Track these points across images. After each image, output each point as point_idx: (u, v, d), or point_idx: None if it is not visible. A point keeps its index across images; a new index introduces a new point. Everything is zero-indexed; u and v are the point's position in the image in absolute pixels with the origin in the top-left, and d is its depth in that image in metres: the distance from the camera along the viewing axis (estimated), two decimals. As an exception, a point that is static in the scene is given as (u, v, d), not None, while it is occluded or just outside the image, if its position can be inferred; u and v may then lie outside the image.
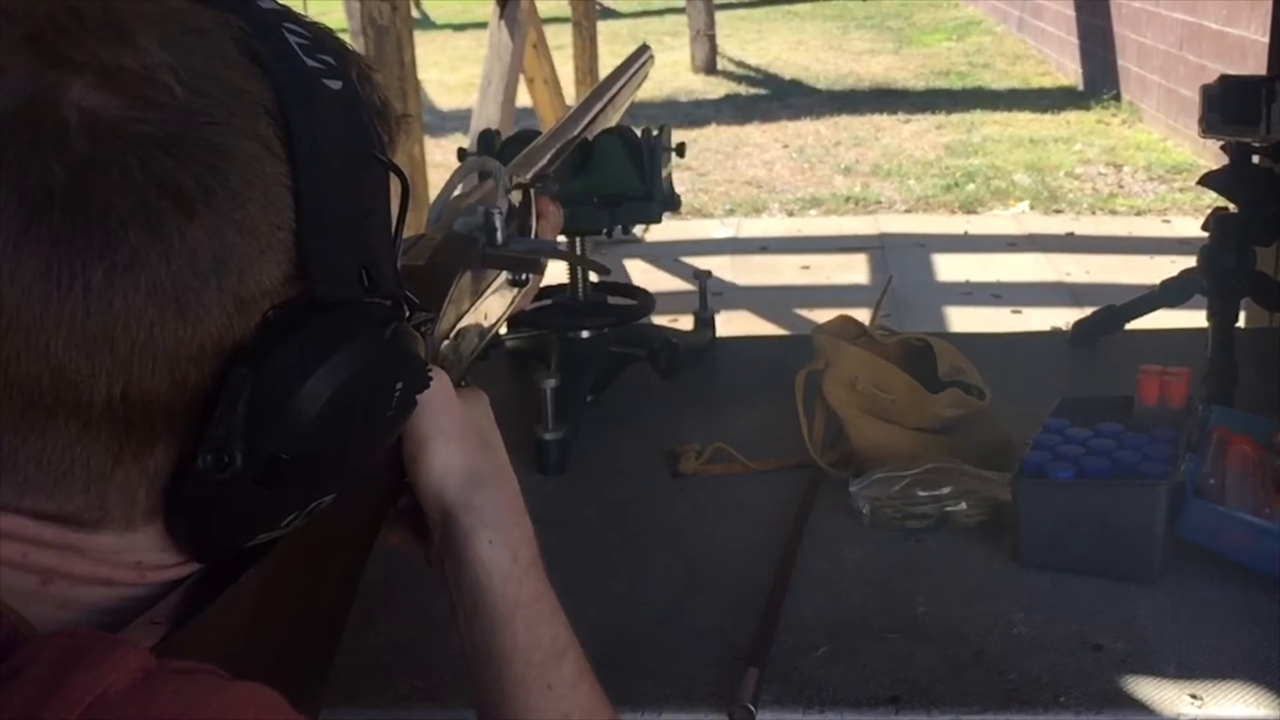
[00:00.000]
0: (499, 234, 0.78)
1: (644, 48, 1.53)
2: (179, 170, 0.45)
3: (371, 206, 0.52)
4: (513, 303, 0.84)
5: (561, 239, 1.13)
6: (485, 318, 0.79)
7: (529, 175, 0.98)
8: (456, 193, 0.86)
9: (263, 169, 0.47)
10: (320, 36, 0.52)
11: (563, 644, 0.66)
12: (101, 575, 0.50)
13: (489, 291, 0.79)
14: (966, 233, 5.22)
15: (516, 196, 0.87)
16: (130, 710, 0.42)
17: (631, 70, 1.43)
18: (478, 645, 0.65)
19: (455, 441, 0.65)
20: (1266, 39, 2.07)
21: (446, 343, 0.71)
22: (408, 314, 0.54)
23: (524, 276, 0.81)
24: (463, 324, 0.74)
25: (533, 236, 0.90)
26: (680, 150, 1.44)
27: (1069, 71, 8.14)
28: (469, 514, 0.64)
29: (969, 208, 5.58)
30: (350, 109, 0.51)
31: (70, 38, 0.44)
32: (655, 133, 1.39)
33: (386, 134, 0.55)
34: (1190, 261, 1.44)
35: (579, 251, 1.43)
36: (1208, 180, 1.41)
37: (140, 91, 0.45)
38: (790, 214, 5.67)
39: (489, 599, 0.64)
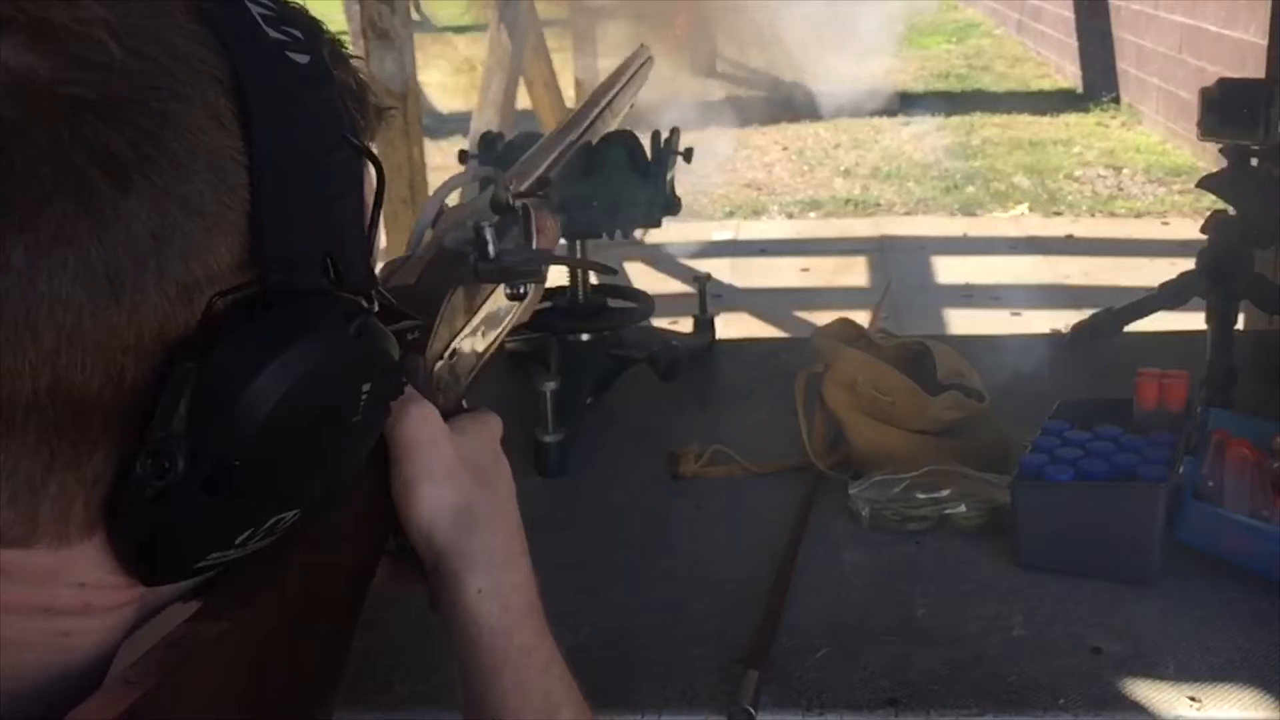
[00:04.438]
0: (490, 247, 0.76)
1: (642, 48, 1.53)
2: (113, 136, 0.40)
3: (339, 190, 0.47)
4: (511, 317, 0.83)
5: (561, 242, 1.13)
6: (482, 335, 0.77)
7: (527, 184, 0.97)
8: (452, 203, 0.85)
9: (210, 141, 0.42)
10: (288, 10, 0.48)
11: (556, 700, 0.63)
12: (40, 602, 0.44)
13: (484, 307, 0.77)
14: (966, 235, 5.22)
15: (518, 205, 0.85)
16: None
17: (630, 72, 1.43)
18: (469, 697, 0.62)
19: (445, 481, 0.60)
20: (1265, 42, 2.07)
21: (441, 363, 0.69)
22: (378, 310, 0.49)
23: (521, 290, 0.79)
24: (458, 343, 0.71)
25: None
26: (688, 155, 1.43)
27: (1068, 74, 8.14)
28: (458, 559, 0.60)
29: (968, 210, 5.58)
30: (317, 85, 0.47)
31: None
32: (666, 136, 1.39)
33: (364, 120, 0.51)
34: (1189, 264, 1.44)
35: (579, 254, 1.43)
36: (1207, 183, 1.42)
37: (72, 50, 0.40)
38: (790, 216, 5.67)
39: (477, 652, 0.61)
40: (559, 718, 0.63)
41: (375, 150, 0.51)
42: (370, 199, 0.51)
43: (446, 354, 0.69)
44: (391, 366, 0.51)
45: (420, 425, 0.58)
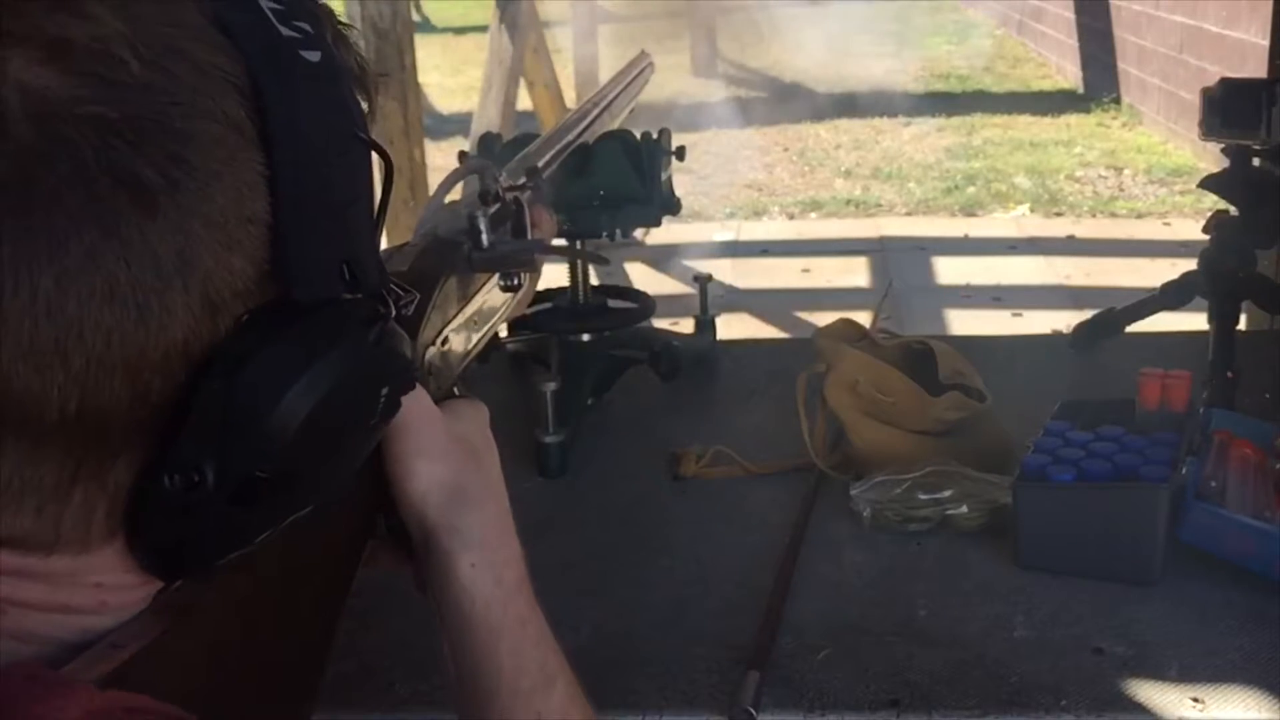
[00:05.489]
0: (484, 236, 0.76)
1: (643, 54, 1.53)
2: (138, 159, 0.40)
3: (353, 194, 0.48)
4: (506, 308, 0.83)
5: (560, 242, 1.13)
6: (475, 323, 0.77)
7: (520, 177, 0.96)
8: (450, 198, 0.85)
9: (232, 156, 0.42)
10: (295, 2, 0.47)
11: (552, 670, 0.63)
12: (59, 601, 0.45)
13: (478, 296, 0.77)
14: (967, 236, 5.22)
15: (509, 197, 0.85)
16: None
17: (630, 77, 1.43)
18: (462, 673, 0.62)
19: (438, 459, 0.61)
20: (1267, 42, 2.07)
21: (433, 349, 0.69)
22: (393, 310, 0.50)
23: (516, 281, 0.80)
24: (451, 330, 0.72)
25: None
26: (680, 153, 1.44)
27: (1069, 74, 8.14)
28: (451, 535, 0.61)
29: (969, 211, 5.58)
30: (330, 83, 0.46)
31: (6, 5, 0.39)
32: (655, 136, 1.39)
33: (366, 100, 0.50)
34: (1190, 264, 1.44)
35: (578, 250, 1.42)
36: (1208, 183, 1.41)
37: (91, 67, 0.39)
38: (791, 217, 5.67)
39: (472, 625, 0.61)
40: (554, 688, 0.63)
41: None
42: (378, 194, 0.51)
43: (438, 340, 0.69)
44: (407, 365, 0.52)
45: (413, 404, 0.57)
